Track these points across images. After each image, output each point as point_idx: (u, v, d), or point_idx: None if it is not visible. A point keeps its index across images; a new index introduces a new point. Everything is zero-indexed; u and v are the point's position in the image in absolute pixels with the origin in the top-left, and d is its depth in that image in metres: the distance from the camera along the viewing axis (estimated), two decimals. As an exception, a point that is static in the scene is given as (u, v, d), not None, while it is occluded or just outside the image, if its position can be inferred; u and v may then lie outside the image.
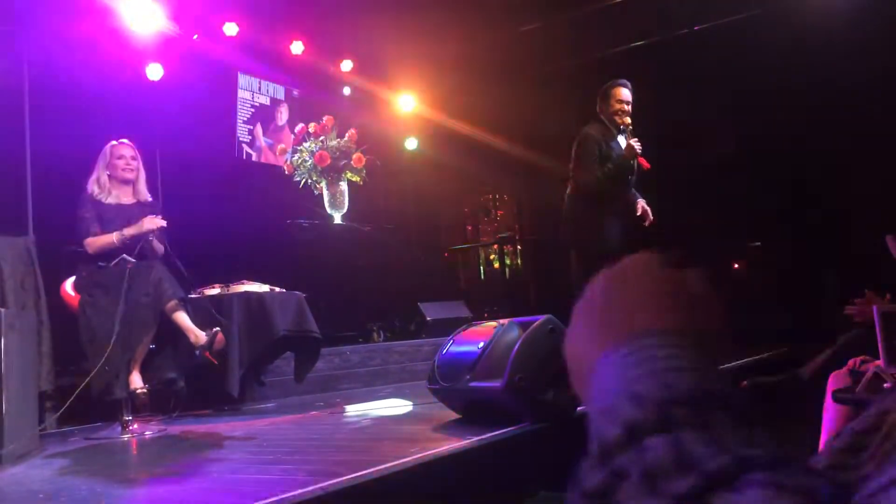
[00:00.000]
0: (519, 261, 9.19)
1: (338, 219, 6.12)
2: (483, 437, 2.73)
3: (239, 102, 6.82)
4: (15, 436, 3.06)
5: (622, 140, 4.75)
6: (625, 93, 4.81)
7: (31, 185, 4.81)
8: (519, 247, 9.16)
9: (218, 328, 3.78)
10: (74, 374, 4.26)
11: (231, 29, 6.33)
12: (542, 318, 3.16)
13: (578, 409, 3.12)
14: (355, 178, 5.93)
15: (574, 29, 7.12)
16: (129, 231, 3.83)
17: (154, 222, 3.85)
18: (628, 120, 4.76)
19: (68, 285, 3.95)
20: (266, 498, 1.96)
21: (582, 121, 4.97)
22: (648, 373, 0.44)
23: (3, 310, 3.19)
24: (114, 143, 4.04)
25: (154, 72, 5.85)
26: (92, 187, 3.97)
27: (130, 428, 3.70)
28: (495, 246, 9.24)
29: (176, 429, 3.84)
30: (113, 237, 3.83)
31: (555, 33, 7.22)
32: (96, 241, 3.85)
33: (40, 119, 4.87)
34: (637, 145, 4.67)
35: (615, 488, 0.39)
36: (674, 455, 0.38)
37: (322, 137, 5.88)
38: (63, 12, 4.98)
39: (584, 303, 0.56)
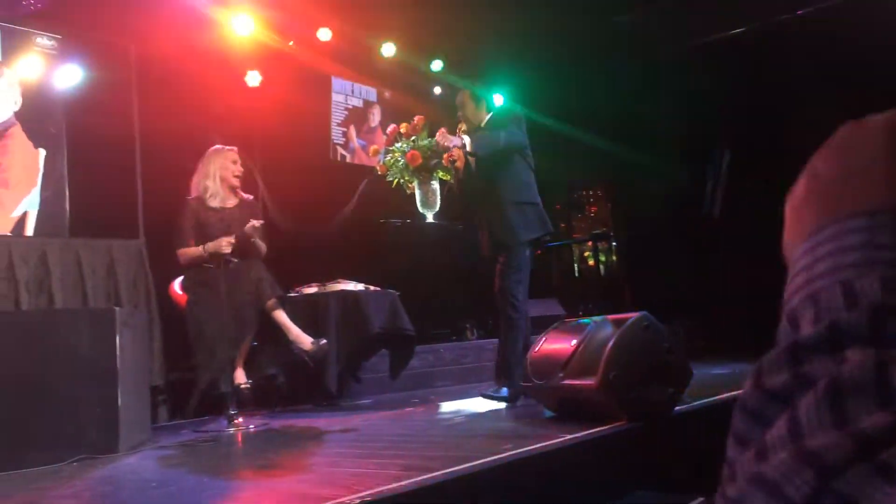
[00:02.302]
0: (614, 257, 9.02)
1: (430, 218, 6.16)
2: (577, 435, 2.70)
3: (333, 105, 6.99)
4: (129, 428, 3.24)
5: None
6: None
7: (141, 192, 5.09)
8: (614, 243, 8.99)
9: (326, 341, 3.90)
10: (184, 369, 4.49)
11: (325, 34, 6.49)
12: (637, 314, 3.10)
13: (676, 408, 3.05)
14: (447, 177, 5.96)
15: (670, 16, 6.93)
16: (210, 246, 3.95)
17: (221, 244, 3.94)
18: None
19: (176, 285, 4.14)
20: (362, 491, 2.00)
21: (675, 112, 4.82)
22: (868, 263, 0.36)
23: (117, 308, 3.39)
24: (225, 147, 4.19)
25: (253, 78, 6.08)
26: (199, 188, 4.11)
27: (235, 421, 3.85)
28: (589, 243, 9.10)
29: (278, 423, 3.97)
30: (199, 250, 3.97)
31: (650, 22, 7.05)
32: (186, 253, 4.01)
33: (149, 128, 5.15)
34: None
35: (796, 395, 0.33)
36: (877, 378, 0.31)
37: (413, 137, 5.94)
38: (170, 25, 5.22)
39: (802, 176, 0.45)
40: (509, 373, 3.97)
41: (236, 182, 4.17)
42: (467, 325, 6.57)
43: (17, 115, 4.74)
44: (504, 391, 3.94)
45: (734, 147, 6.79)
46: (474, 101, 4.43)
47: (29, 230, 4.70)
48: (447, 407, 4.11)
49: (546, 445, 2.57)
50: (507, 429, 3.22)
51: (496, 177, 4.21)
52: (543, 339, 3.42)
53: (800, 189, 0.44)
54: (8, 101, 4.71)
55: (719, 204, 6.93)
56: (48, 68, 4.89)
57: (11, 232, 4.61)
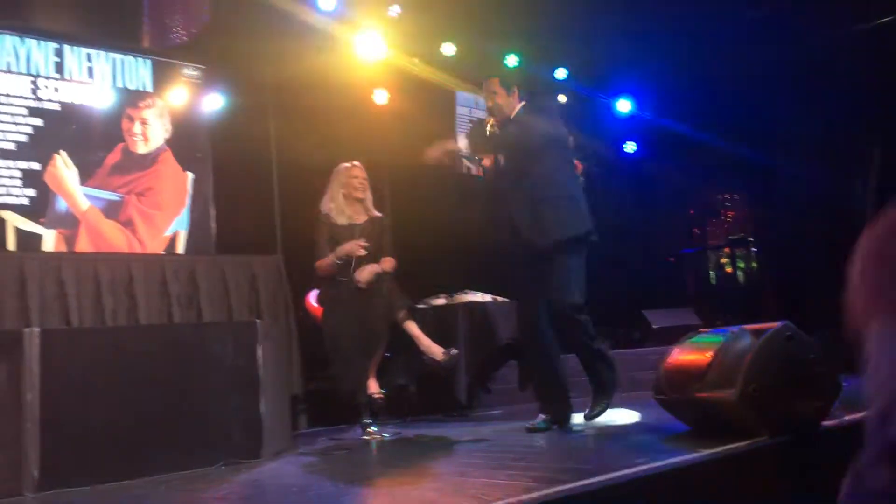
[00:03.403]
0: (754, 264, 8.60)
1: (557, 227, 6.12)
2: (715, 450, 2.59)
3: (457, 118, 7.08)
4: (272, 435, 3.39)
5: None
6: None
7: (278, 210, 5.37)
8: (753, 249, 8.57)
9: (457, 351, 3.94)
10: (320, 379, 4.67)
11: (449, 49, 6.60)
12: (778, 324, 2.95)
13: (824, 422, 2.86)
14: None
15: (808, 8, 6.56)
16: (341, 251, 4.04)
17: (356, 246, 4.03)
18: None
19: (312, 298, 4.32)
20: (492, 501, 2.00)
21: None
22: None
23: (259, 321, 3.57)
24: (346, 164, 4.32)
25: (380, 96, 6.28)
26: (326, 208, 4.26)
27: (370, 430, 3.96)
28: (726, 249, 8.72)
29: (410, 432, 4.05)
30: (331, 258, 4.07)
31: (786, 16, 6.70)
32: (323, 264, 4.13)
33: (284, 148, 5.42)
34: None
35: None
36: None
37: (538, 147, 5.92)
38: (301, 49, 5.47)
39: (864, 246, 0.42)
40: (548, 393, 3.65)
41: (360, 195, 4.24)
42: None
43: (168, 141, 5.12)
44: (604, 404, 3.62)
45: (885, 145, 6.33)
46: (505, 87, 3.80)
47: (180, 248, 5.05)
48: (577, 418, 4.04)
49: (682, 461, 2.49)
50: (639, 442, 3.13)
51: (523, 173, 3.66)
52: (677, 349, 3.31)
53: (885, 249, 0.40)
54: (160, 129, 5.09)
55: (870, 206, 6.48)
56: (194, 97, 5.26)
57: (164, 251, 4.97)
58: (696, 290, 8.69)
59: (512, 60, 7.09)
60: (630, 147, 8.18)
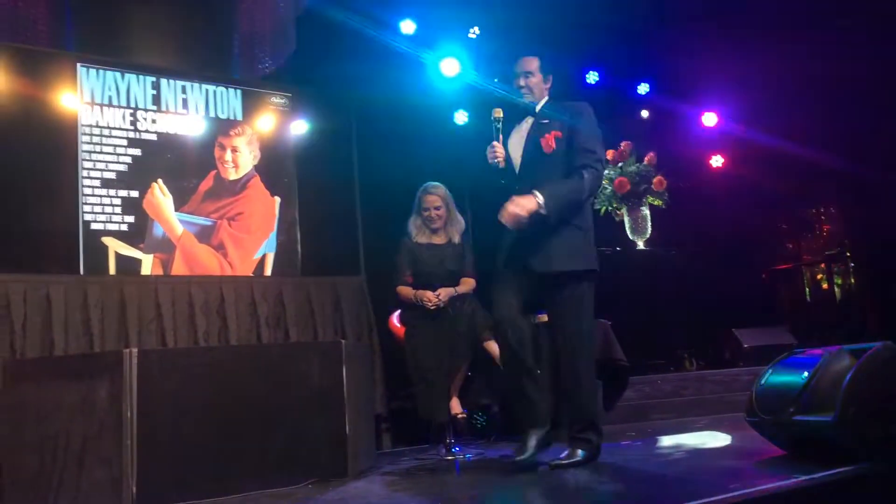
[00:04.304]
0: (852, 280, 8.20)
1: (641, 244, 6.04)
2: (813, 476, 2.47)
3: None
4: (356, 453, 3.44)
5: None
6: None
7: (361, 231, 5.47)
8: (852, 264, 8.18)
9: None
10: (403, 398, 4.70)
11: (529, 68, 6.62)
12: (879, 344, 2.80)
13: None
14: (657, 202, 5.80)
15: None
16: (420, 294, 4.09)
17: (425, 297, 4.06)
18: None
19: (395, 318, 4.37)
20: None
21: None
22: None
23: (343, 341, 3.63)
24: (424, 187, 4.37)
25: (460, 117, 6.35)
26: (410, 228, 4.34)
27: (453, 450, 3.96)
28: (822, 264, 8.35)
29: (493, 453, 4.02)
30: (412, 296, 4.13)
31: (870, 25, 6.41)
32: (401, 292, 4.21)
33: (366, 168, 5.54)
34: None
35: None
36: None
37: (620, 164, 5.86)
38: (383, 72, 5.58)
39: None
40: (584, 425, 3.37)
41: (434, 226, 4.29)
42: (685, 355, 6.27)
43: (257, 167, 5.30)
44: (581, 454, 3.26)
45: None
46: (543, 72, 3.48)
47: (268, 271, 5.20)
48: (666, 441, 3.94)
49: (777, 486, 2.38)
50: (732, 467, 3.01)
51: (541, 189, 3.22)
52: (771, 370, 3.19)
53: None
54: (249, 155, 5.28)
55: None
56: (281, 123, 5.44)
57: (253, 273, 5.13)
58: (790, 308, 8.35)
59: (592, 77, 7.05)
60: (717, 160, 7.97)
